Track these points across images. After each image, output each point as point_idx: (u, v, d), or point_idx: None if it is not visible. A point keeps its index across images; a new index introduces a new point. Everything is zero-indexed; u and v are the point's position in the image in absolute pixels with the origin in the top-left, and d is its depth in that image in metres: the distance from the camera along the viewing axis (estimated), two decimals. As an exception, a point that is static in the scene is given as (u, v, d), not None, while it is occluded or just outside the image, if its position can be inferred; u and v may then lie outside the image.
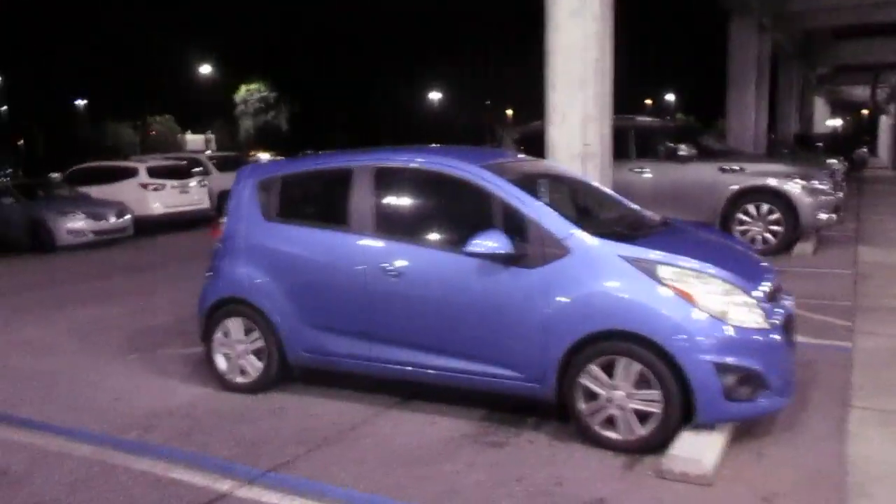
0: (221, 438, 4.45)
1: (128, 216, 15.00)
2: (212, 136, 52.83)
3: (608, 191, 5.76)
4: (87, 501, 3.72)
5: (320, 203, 5.20)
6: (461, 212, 4.65)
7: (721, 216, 10.46)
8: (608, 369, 4.05)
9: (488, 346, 4.37)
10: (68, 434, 4.60)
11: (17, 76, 50.64)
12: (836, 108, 54.57)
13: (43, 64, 50.79)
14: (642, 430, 4.01)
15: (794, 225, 10.18)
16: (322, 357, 4.97)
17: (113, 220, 14.60)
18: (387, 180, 4.82)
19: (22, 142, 49.19)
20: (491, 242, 4.18)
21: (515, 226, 4.30)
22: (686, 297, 3.95)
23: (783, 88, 27.43)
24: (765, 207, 10.27)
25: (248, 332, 5.17)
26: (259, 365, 5.15)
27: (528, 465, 3.96)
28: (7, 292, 9.78)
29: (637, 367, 3.97)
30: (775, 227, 10.24)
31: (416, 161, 4.84)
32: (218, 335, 5.27)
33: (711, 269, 4.05)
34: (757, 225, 10.33)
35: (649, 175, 10.97)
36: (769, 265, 4.74)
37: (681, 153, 10.65)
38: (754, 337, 3.97)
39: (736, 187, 10.36)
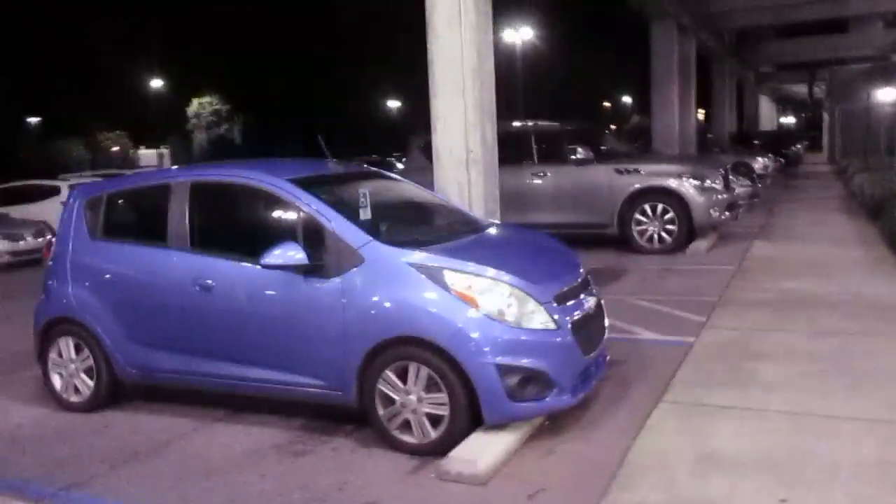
0: (32, 459, 4.47)
1: (49, 236, 14.83)
2: (165, 151, 52.40)
3: (437, 196, 5.91)
4: None
5: (141, 220, 5.25)
6: (267, 225, 4.72)
7: (619, 217, 10.67)
8: (403, 375, 4.14)
9: (295, 357, 4.44)
10: None
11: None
12: (784, 106, 55.65)
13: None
14: (433, 434, 4.10)
15: (687, 223, 10.40)
16: (148, 373, 5.01)
17: (30, 239, 14.44)
18: (201, 195, 4.88)
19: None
20: (285, 254, 4.25)
21: (316, 237, 4.37)
22: (469, 302, 4.05)
23: (717, 88, 27.95)
24: (660, 207, 10.48)
25: (78, 350, 5.19)
26: (91, 383, 5.17)
27: (320, 472, 4.04)
28: None
29: (426, 371, 4.07)
30: (670, 226, 10.46)
31: (226, 175, 4.92)
32: (52, 355, 5.29)
33: (496, 273, 4.15)
34: (653, 224, 10.55)
35: (550, 179, 11.15)
36: (577, 265, 4.87)
37: (578, 156, 10.82)
38: (538, 338, 4.08)
39: (631, 188, 10.57)
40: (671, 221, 10.44)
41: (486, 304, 4.05)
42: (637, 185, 10.54)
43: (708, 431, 4.22)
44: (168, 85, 52.44)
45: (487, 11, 8.11)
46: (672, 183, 10.38)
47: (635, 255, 10.50)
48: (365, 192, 4.98)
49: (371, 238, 4.29)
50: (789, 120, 62.73)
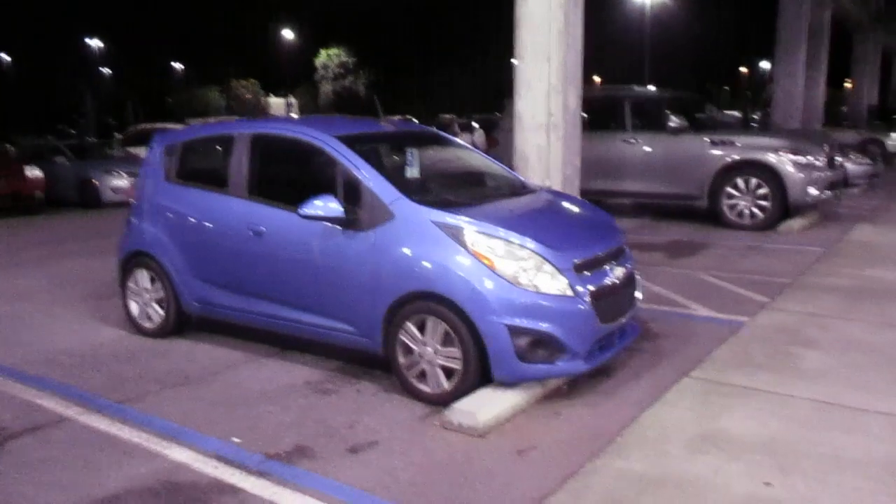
0: (102, 374, 5.05)
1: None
2: (294, 101, 54.35)
3: (487, 159, 5.98)
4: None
5: (209, 167, 5.65)
6: (313, 177, 4.99)
7: (710, 189, 10.34)
8: (422, 327, 4.36)
9: (330, 302, 4.75)
10: (-17, 364, 5.30)
11: (120, 41, 53.72)
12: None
13: (142, 29, 53.60)
14: (446, 385, 4.31)
15: (782, 200, 9.95)
16: (208, 307, 5.48)
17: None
18: (259, 147, 5.22)
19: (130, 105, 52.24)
20: (322, 205, 4.53)
21: (353, 191, 4.62)
22: (486, 263, 4.19)
23: (858, 57, 25.88)
24: (753, 181, 10.07)
25: (152, 282, 5.73)
26: (161, 312, 5.71)
27: (338, 410, 4.35)
28: (31, 244, 10.82)
29: (442, 326, 4.26)
30: (763, 202, 10.05)
31: (282, 129, 5.24)
32: (130, 284, 5.87)
33: (515, 236, 4.26)
34: (745, 199, 10.16)
35: (642, 146, 10.91)
36: (612, 235, 4.88)
37: (671, 125, 10.52)
38: (552, 303, 4.17)
39: (724, 160, 10.20)
40: (764, 197, 10.01)
41: (503, 266, 4.18)
42: (730, 158, 10.15)
43: (721, 411, 4.19)
44: (299, 36, 54.23)
45: (578, -26, 7.99)
46: (767, 157, 9.92)
47: (723, 230, 10.17)
48: (413, 151, 5.18)
49: (401, 195, 4.49)
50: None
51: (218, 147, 5.56)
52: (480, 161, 5.84)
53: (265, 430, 4.10)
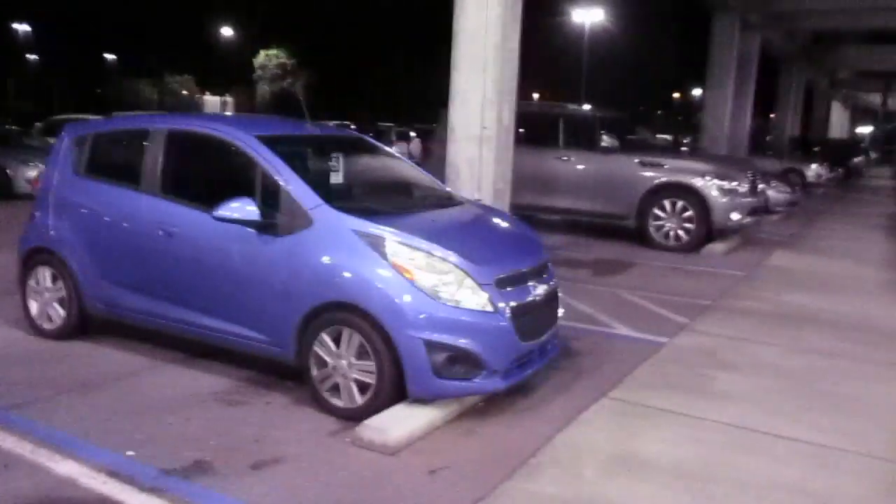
0: (-12, 378, 4.69)
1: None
2: (229, 99, 53.26)
3: (415, 168, 5.90)
4: None
5: (120, 162, 5.37)
6: (231, 178, 4.78)
7: (638, 209, 10.49)
8: (337, 339, 4.20)
9: (243, 310, 4.54)
10: None
11: (48, 26, 51.73)
12: (858, 115, 53.34)
13: (73, 15, 51.76)
14: (360, 400, 4.16)
15: (706, 223, 10.16)
16: (114, 309, 5.18)
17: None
18: (175, 143, 4.98)
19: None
20: (238, 208, 4.33)
21: (272, 195, 4.44)
22: (406, 275, 4.07)
23: (783, 89, 26.97)
24: (679, 204, 10.26)
25: (53, 280, 5.39)
26: (62, 313, 5.38)
27: (244, 423, 4.14)
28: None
29: (358, 338, 4.11)
30: (688, 225, 10.25)
31: (200, 126, 5.02)
32: (31, 282, 5.51)
33: (435, 248, 4.15)
34: (671, 221, 10.34)
35: (574, 164, 11.00)
36: (536, 252, 4.83)
37: (603, 144, 10.65)
38: (471, 319, 4.08)
39: (652, 182, 10.37)
40: (689, 220, 10.22)
41: (422, 279, 4.06)
42: (658, 180, 10.33)
43: (637, 432, 4.17)
44: (238, 35, 53.26)
45: (516, -12, 7.99)
46: (694, 180, 10.14)
47: (649, 250, 10.33)
48: (338, 155, 5.03)
49: (322, 202, 4.33)
50: (867, 130, 60.19)
51: (132, 141, 5.27)
52: (408, 170, 5.73)
53: (164, 443, 3.86)
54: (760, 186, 11.28)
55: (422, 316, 4.00)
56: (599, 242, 11.00)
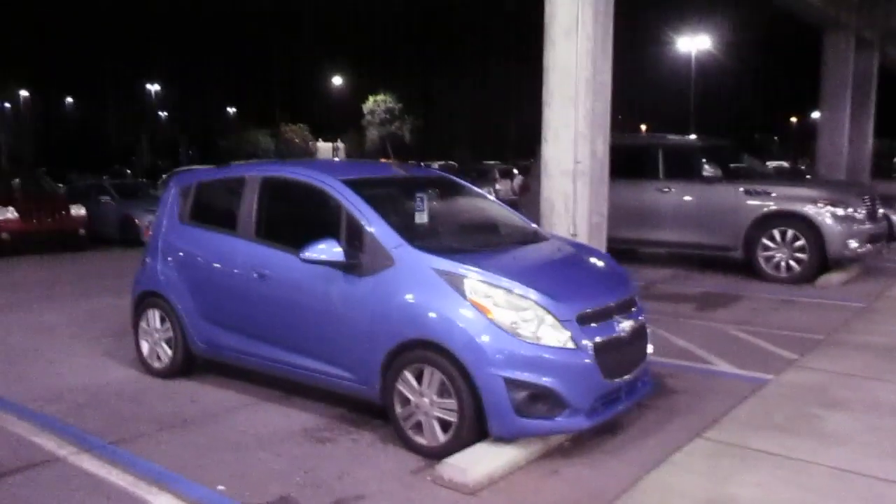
0: (103, 413, 5.02)
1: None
2: (340, 145, 55.30)
3: (499, 204, 5.92)
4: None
5: (219, 209, 5.65)
6: (318, 221, 4.93)
7: (745, 240, 10.05)
8: (420, 377, 4.24)
9: (331, 349, 4.67)
10: (-10, 399, 5.33)
11: (178, 86, 55.90)
12: None
13: (199, 75, 55.68)
14: (442, 438, 4.16)
15: (820, 253, 9.60)
16: (214, 349, 5.45)
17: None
18: (268, 189, 5.23)
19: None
20: (324, 250, 4.48)
21: (356, 236, 4.57)
22: (485, 312, 4.06)
23: (910, 109, 25.29)
24: (790, 233, 9.76)
25: (162, 321, 5.73)
26: (169, 353, 5.70)
27: (330, 460, 4.22)
28: (66, 280, 11.05)
29: (439, 376, 4.13)
30: (800, 255, 9.71)
31: (291, 172, 5.24)
32: (142, 323, 5.88)
33: (514, 285, 4.13)
34: (782, 251, 9.84)
35: (675, 195, 10.71)
36: (622, 287, 4.71)
37: (705, 173, 10.31)
38: (551, 356, 4.02)
39: (760, 211, 9.92)
40: (801, 249, 9.68)
41: (501, 316, 4.04)
42: (766, 208, 9.87)
43: (731, 475, 3.95)
44: (348, 82, 55.49)
45: (606, 23, 7.97)
46: (805, 208, 9.61)
47: (759, 282, 9.84)
48: (422, 196, 5.12)
49: (404, 241, 4.42)
50: None
51: (230, 189, 5.57)
52: (491, 207, 5.75)
53: (252, 478, 3.99)
54: (881, 212, 10.56)
55: (501, 353, 3.98)
56: (706, 275, 10.60)
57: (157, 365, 5.81)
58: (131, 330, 6.09)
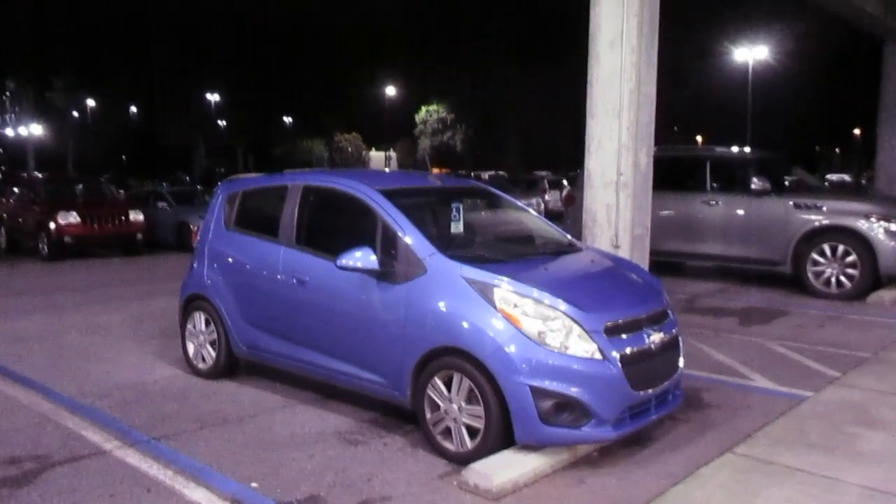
0: (148, 410, 5.25)
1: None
2: (393, 154, 56.05)
3: (534, 214, 5.98)
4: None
5: (263, 216, 5.84)
6: (354, 229, 5.07)
7: (793, 254, 9.86)
8: (449, 383, 4.32)
9: (364, 353, 4.79)
10: (46, 393, 5.62)
11: (236, 95, 57.39)
12: None
13: (257, 84, 57.04)
14: (469, 444, 4.24)
15: (872, 269, 9.36)
16: (255, 351, 5.63)
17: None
18: (309, 197, 5.39)
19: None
20: (359, 257, 4.61)
21: (391, 244, 4.69)
22: (513, 321, 4.13)
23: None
24: (840, 248, 9.54)
25: (207, 324, 5.95)
26: (213, 354, 5.91)
27: (360, 462, 4.34)
28: (123, 283, 11.49)
29: (467, 383, 4.21)
30: (851, 270, 9.48)
31: (329, 181, 5.40)
32: (189, 325, 6.12)
33: (543, 295, 4.18)
34: (832, 266, 9.62)
35: (722, 208, 10.58)
36: (653, 299, 4.72)
37: (754, 186, 10.16)
38: (578, 366, 4.06)
39: (809, 225, 9.73)
40: (853, 265, 9.45)
41: (529, 325, 4.11)
42: (817, 223, 9.67)
43: (759, 492, 3.92)
44: (402, 92, 56.10)
45: (651, 34, 7.95)
46: (856, 223, 9.39)
47: (807, 297, 9.64)
48: (458, 206, 5.23)
49: (436, 250, 4.52)
50: None
51: (273, 197, 5.76)
52: (528, 218, 5.82)
53: (285, 477, 4.13)
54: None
55: (527, 363, 4.04)
56: (753, 289, 10.43)
57: (201, 366, 6.03)
58: (179, 331, 6.33)
